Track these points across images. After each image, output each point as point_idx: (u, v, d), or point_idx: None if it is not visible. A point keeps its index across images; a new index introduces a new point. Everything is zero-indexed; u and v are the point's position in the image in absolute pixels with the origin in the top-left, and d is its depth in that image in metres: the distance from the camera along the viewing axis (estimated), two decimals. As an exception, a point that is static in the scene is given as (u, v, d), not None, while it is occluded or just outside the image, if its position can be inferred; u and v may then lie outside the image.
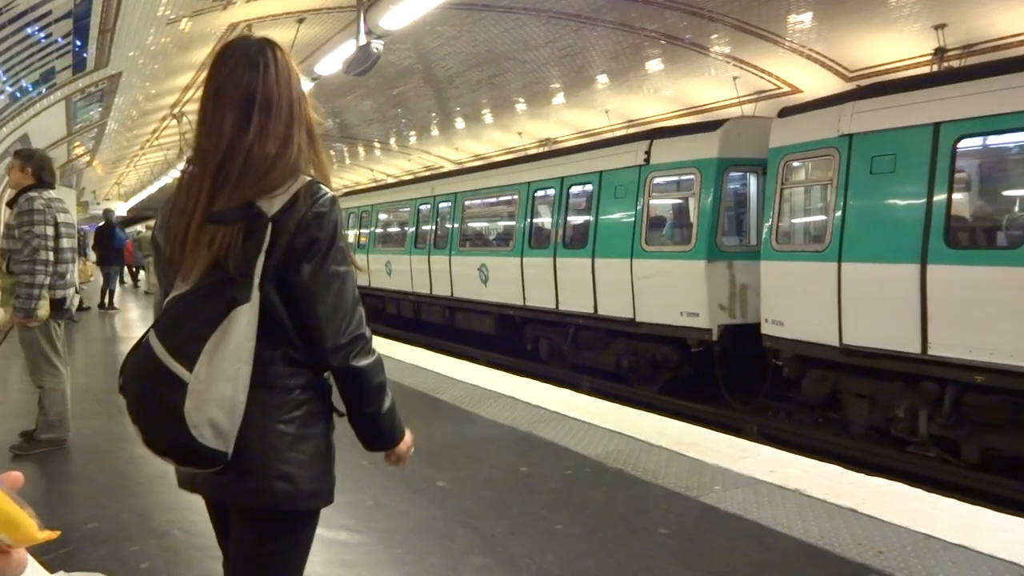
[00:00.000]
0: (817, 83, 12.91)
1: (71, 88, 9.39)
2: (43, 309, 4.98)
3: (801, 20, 11.62)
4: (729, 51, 13.25)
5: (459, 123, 21.36)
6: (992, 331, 6.26)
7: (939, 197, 6.72)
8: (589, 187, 11.25)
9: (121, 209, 35.94)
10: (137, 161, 28.09)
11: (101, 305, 14.74)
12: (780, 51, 12.70)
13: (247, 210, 1.60)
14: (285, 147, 1.66)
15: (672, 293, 9.63)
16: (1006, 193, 7.75)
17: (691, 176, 9.80)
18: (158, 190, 30.86)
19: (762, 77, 13.79)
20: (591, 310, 10.83)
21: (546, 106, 18.26)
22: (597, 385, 10.35)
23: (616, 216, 10.60)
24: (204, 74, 1.75)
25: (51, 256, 4.99)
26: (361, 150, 26.71)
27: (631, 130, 16.41)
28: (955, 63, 10.78)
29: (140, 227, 39.33)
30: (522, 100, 18.22)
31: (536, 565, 3.22)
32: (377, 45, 6.65)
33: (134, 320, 14.04)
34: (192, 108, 17.16)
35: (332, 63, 8.18)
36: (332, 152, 27.24)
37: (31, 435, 5.22)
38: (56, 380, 5.24)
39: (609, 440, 5.16)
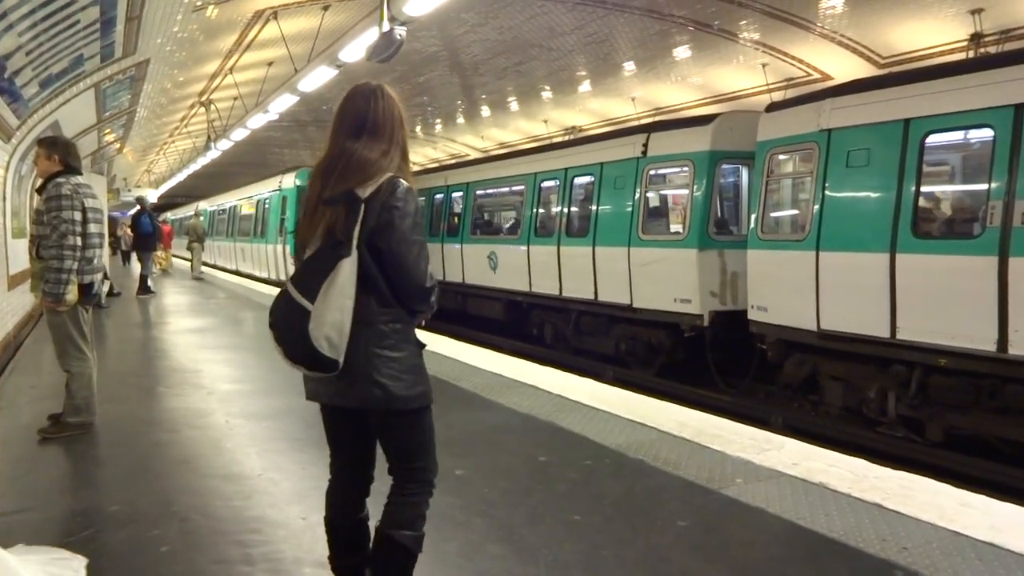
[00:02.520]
0: (848, 70, 12.65)
1: (100, 75, 9.47)
2: (71, 294, 5.02)
3: (833, 5, 11.38)
4: (758, 37, 13.03)
5: (485, 111, 21.27)
6: (953, 317, 6.72)
7: (907, 189, 7.17)
8: (591, 178, 11.76)
9: (152, 196, 36.34)
10: (167, 148, 28.37)
11: (139, 291, 15.09)
12: (811, 37, 12.46)
13: (347, 195, 2.32)
14: (382, 158, 2.38)
15: (666, 280, 10.15)
16: (967, 187, 8.10)
17: (685, 168, 10.24)
18: (187, 177, 31.17)
19: (792, 64, 13.55)
20: (592, 296, 11.39)
21: (572, 94, 18.12)
22: (621, 375, 10.51)
23: (615, 206, 11.09)
24: (335, 109, 2.49)
25: (79, 241, 5.02)
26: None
27: (658, 118, 16.31)
28: (992, 49, 10.51)
29: (168, 213, 39.80)
30: (548, 88, 18.08)
31: (553, 556, 3.20)
32: (400, 31, 6.62)
33: (167, 306, 14.22)
34: (219, 96, 17.27)
35: (356, 50, 8.15)
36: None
37: (59, 418, 5.30)
38: (83, 364, 5.29)
39: (631, 430, 5.11)
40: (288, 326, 2.31)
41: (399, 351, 2.36)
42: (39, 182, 5.47)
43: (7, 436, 5.30)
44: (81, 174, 5.44)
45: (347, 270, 2.28)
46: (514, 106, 20.22)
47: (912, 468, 4.59)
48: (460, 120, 23.04)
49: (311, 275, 2.31)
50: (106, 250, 15.48)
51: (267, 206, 21.07)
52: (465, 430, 5.23)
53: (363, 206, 2.30)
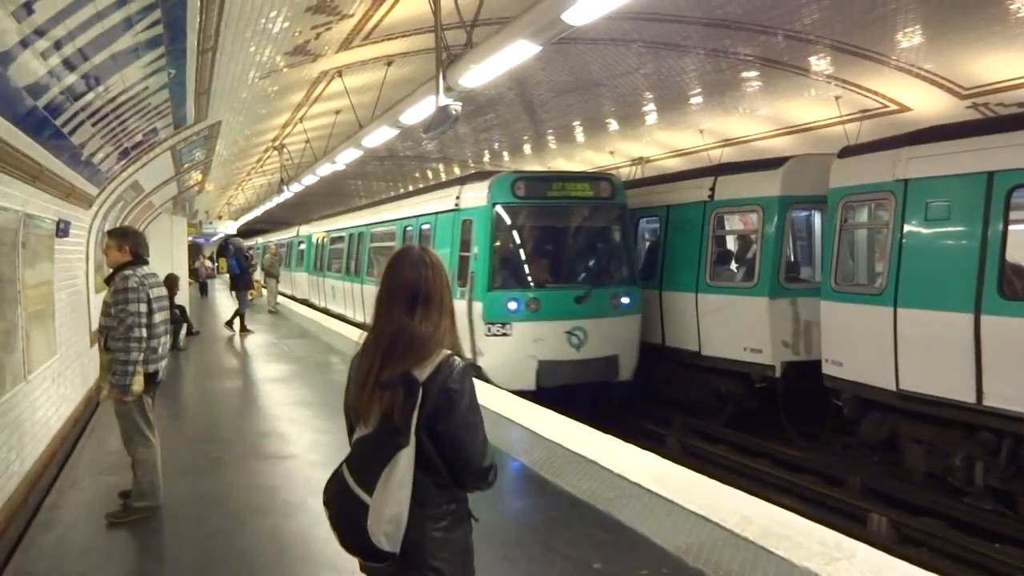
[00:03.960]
0: (928, 101, 12.06)
1: (174, 140, 9.85)
2: (137, 384, 5.17)
3: (908, 37, 10.88)
4: (831, 71, 12.56)
5: (552, 143, 21.26)
6: None
7: (993, 247, 6.80)
8: (657, 222, 11.91)
9: (232, 227, 37.75)
10: (244, 185, 29.40)
11: (233, 326, 16.78)
12: (886, 70, 11.93)
13: (405, 377, 2.26)
14: (436, 329, 2.34)
15: (736, 328, 9.97)
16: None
17: (754, 213, 10.04)
18: (264, 212, 32.21)
19: (867, 96, 13.01)
20: (659, 341, 11.43)
21: (639, 126, 17.89)
22: (681, 440, 10.38)
23: (682, 250, 11.13)
24: (383, 274, 2.44)
25: (144, 332, 5.16)
26: (457, 169, 27.04)
27: (726, 149, 15.99)
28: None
29: (259, 239, 41.10)
30: (614, 121, 17.94)
31: None
32: (456, 107, 6.65)
33: (247, 348, 14.63)
34: (291, 141, 17.78)
35: (416, 115, 8.27)
36: (429, 172, 27.72)
37: (127, 500, 5.45)
38: (148, 451, 5.44)
39: (692, 526, 4.91)
40: (345, 516, 2.29)
41: (454, 532, 2.33)
42: (108, 271, 5.69)
43: (76, 519, 5.48)
44: (147, 263, 5.62)
45: (406, 460, 2.23)
46: (580, 138, 20.13)
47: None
48: (527, 150, 23.10)
49: (368, 463, 2.27)
50: (184, 284, 16.54)
51: (431, 232, 13.02)
52: (522, 521, 5.14)
53: (421, 390, 2.24)
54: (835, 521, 6.88)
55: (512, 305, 10.31)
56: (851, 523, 7.39)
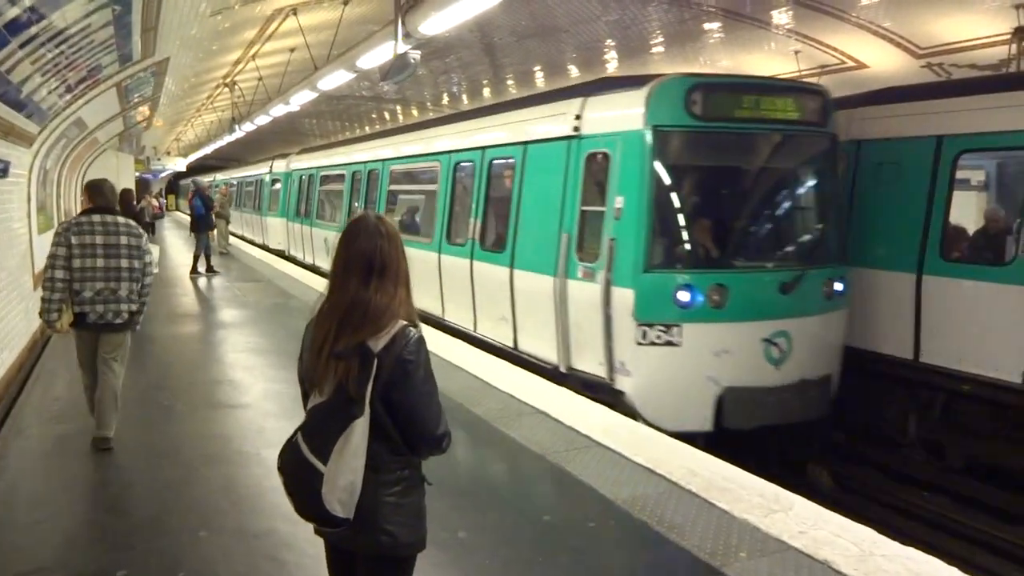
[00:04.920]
0: (884, 59, 12.23)
1: (120, 77, 9.47)
2: (61, 322, 5.45)
3: (869, -5, 10.94)
4: (791, 25, 12.60)
5: (512, 88, 20.98)
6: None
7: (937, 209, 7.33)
8: None
9: (181, 164, 36.72)
10: (194, 121, 28.49)
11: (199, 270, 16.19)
12: (846, 26, 12.01)
13: (360, 348, 2.29)
14: (392, 300, 2.35)
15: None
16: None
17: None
18: (215, 150, 31.34)
19: (826, 51, 13.10)
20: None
21: (600, 74, 17.75)
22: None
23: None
24: (337, 244, 2.43)
25: (60, 274, 5.37)
26: (415, 111, 26.57)
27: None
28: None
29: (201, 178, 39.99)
30: (575, 67, 17.79)
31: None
32: (414, 55, 6.50)
33: (204, 290, 14.37)
34: (243, 78, 17.22)
35: (374, 59, 8.06)
36: (386, 114, 27.19)
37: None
38: (85, 387, 5.80)
39: (639, 479, 5.07)
40: (300, 483, 2.33)
41: (407, 497, 2.39)
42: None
43: (25, 467, 5.44)
44: (112, 211, 5.69)
45: (360, 430, 2.27)
46: (541, 83, 19.90)
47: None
48: (487, 94, 22.78)
49: (323, 433, 2.31)
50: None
51: (514, 172, 8.78)
52: (473, 475, 5.25)
53: (376, 360, 2.28)
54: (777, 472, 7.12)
55: (684, 296, 6.66)
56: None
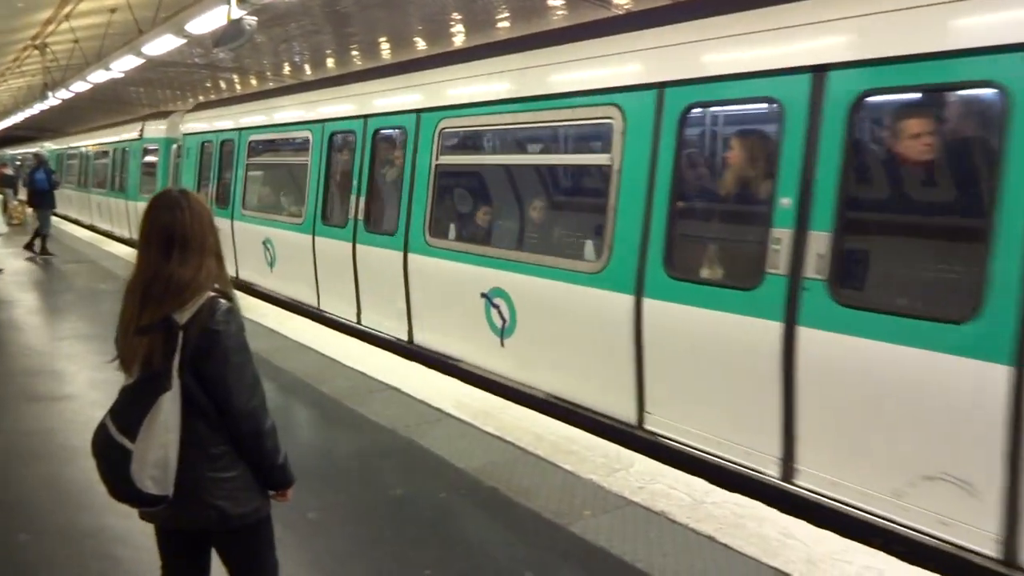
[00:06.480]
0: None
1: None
2: None
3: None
4: (631, 6, 13.07)
5: (357, 60, 20.44)
6: None
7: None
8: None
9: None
10: None
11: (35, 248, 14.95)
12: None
13: (164, 322, 2.25)
14: (197, 272, 2.31)
15: None
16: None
17: None
18: (25, 119, 28.43)
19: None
20: None
21: (447, 48, 17.65)
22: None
23: None
24: (141, 219, 2.38)
25: None
26: (254, 81, 25.31)
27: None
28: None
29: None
30: (421, 40, 17.58)
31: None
32: (251, 21, 6.16)
33: (21, 272, 13.05)
34: (56, 40, 15.70)
35: (205, 23, 7.55)
36: (222, 83, 25.73)
37: None
38: None
39: (488, 448, 5.18)
40: (109, 464, 2.28)
41: (231, 471, 2.38)
42: None
43: None
44: None
45: (169, 404, 2.24)
46: (387, 55, 19.52)
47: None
48: (331, 64, 22.07)
49: (130, 410, 2.27)
50: None
51: None
52: (322, 455, 5.15)
53: (181, 333, 2.25)
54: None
55: None
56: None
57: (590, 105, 5.79)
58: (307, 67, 22.64)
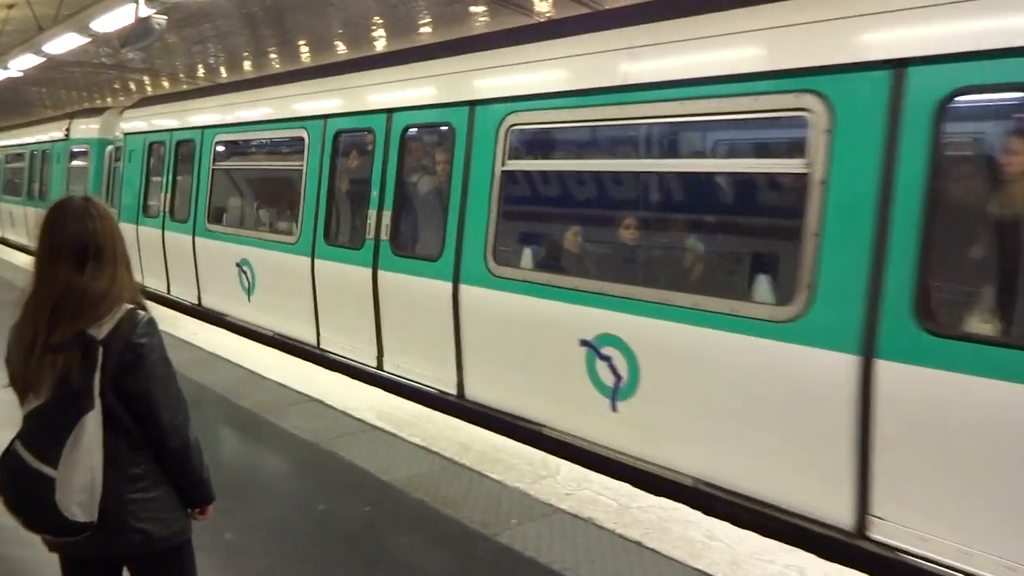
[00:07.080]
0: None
1: None
2: None
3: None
4: (552, 13, 13.21)
5: (276, 63, 20.00)
6: None
7: None
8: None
9: None
10: None
11: None
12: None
13: (81, 338, 2.11)
14: (112, 283, 2.19)
15: None
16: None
17: None
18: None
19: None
20: None
21: (368, 52, 17.45)
22: None
23: None
24: (39, 232, 2.22)
25: None
26: (166, 83, 24.44)
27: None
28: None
29: None
30: (342, 44, 17.35)
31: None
32: (160, 20, 5.91)
33: None
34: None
35: (112, 22, 7.22)
36: (132, 84, 24.78)
37: None
38: None
39: (414, 459, 5.09)
40: (26, 495, 2.11)
41: (154, 491, 2.28)
42: None
43: None
44: None
45: (92, 425, 2.11)
46: (307, 59, 19.18)
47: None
48: (247, 67, 21.52)
49: (47, 434, 2.10)
50: None
51: None
52: (240, 471, 4.96)
53: (101, 348, 2.13)
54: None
55: None
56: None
57: (772, 93, 4.15)
58: (222, 69, 22.02)
